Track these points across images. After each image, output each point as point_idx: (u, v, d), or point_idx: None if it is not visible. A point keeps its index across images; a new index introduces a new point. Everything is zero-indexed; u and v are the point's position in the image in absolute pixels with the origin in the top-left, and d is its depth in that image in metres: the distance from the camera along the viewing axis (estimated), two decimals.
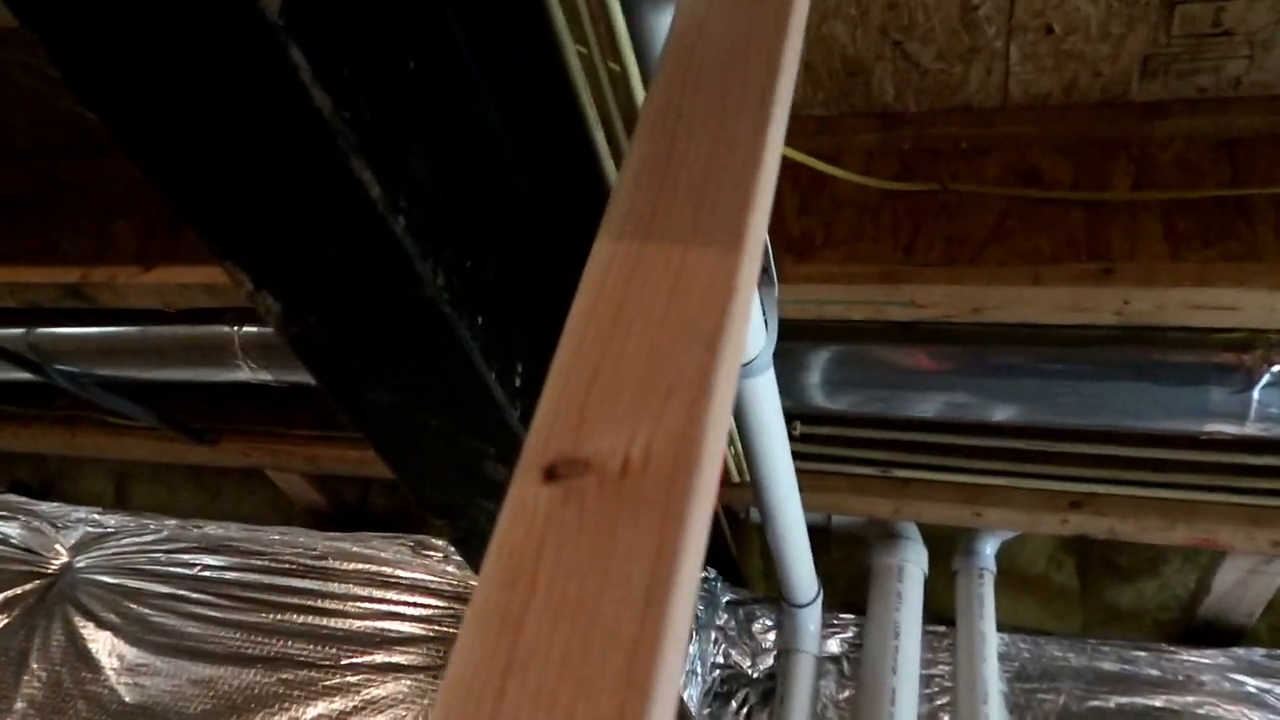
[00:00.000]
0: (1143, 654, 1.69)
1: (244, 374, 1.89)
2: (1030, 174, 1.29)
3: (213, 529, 2.45)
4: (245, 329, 1.83)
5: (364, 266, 0.74)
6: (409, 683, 2.04)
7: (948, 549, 1.88)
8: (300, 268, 0.76)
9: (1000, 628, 1.74)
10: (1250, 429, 1.28)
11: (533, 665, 0.30)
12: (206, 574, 2.39)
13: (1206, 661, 1.65)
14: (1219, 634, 1.74)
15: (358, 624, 2.18)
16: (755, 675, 1.87)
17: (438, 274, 0.78)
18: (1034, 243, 1.21)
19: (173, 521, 2.51)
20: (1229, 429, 1.30)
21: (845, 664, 1.84)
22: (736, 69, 0.58)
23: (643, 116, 0.56)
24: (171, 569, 2.43)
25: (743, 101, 0.56)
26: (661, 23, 0.78)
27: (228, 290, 1.55)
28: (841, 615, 1.88)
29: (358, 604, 2.22)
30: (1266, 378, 1.23)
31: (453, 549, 2.19)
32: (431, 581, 2.19)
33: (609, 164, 1.01)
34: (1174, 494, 1.45)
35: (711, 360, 0.42)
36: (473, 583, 2.13)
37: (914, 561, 1.80)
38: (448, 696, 0.29)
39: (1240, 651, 1.65)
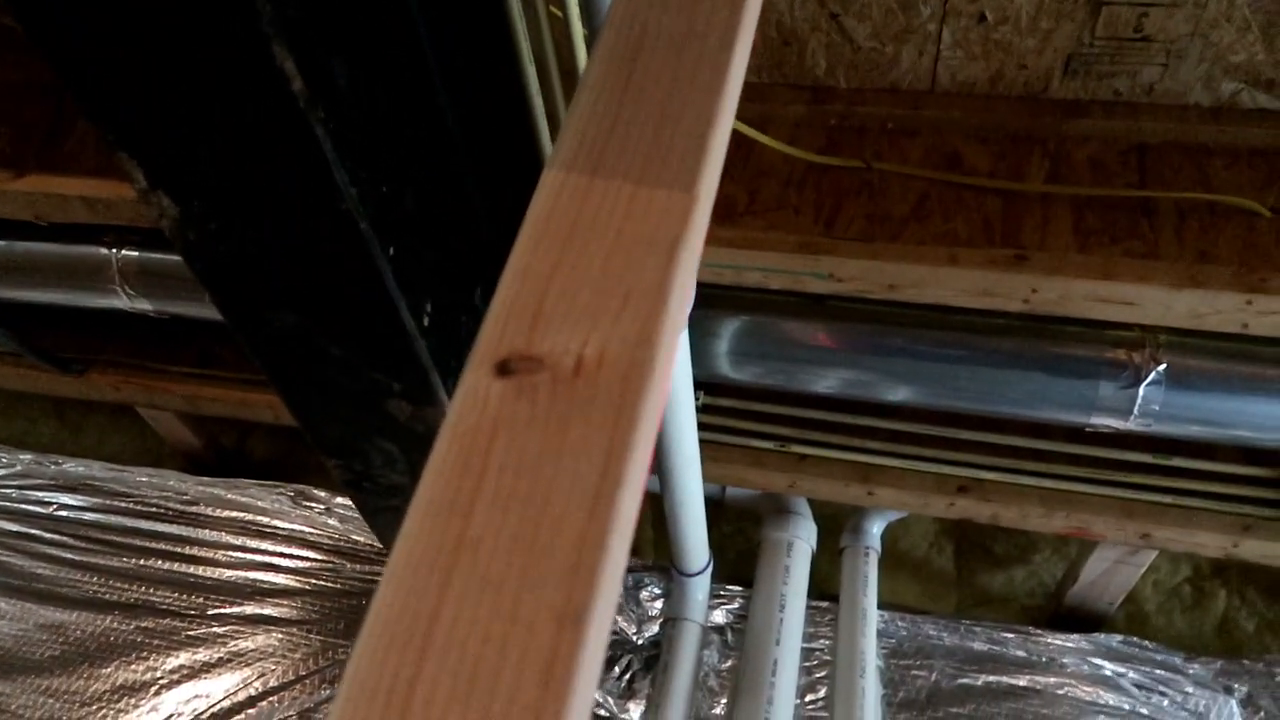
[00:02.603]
0: (1011, 636, 1.76)
1: (121, 302, 1.77)
2: (952, 159, 1.31)
3: (73, 466, 2.30)
4: (125, 252, 1.71)
5: (277, 169, 0.68)
6: (280, 636, 1.95)
7: (834, 527, 1.92)
8: (205, 166, 0.69)
9: (880, 606, 1.78)
10: (1132, 424, 1.35)
11: (480, 553, 0.28)
12: (63, 514, 2.24)
13: (1070, 645, 1.73)
14: (1082, 620, 1.83)
15: (228, 573, 2.08)
16: (640, 642, 1.87)
17: (354, 189, 0.73)
18: (951, 225, 1.23)
19: (27, 456, 2.35)
20: (1113, 423, 1.36)
21: (729, 634, 1.86)
22: None
23: (605, 29, 0.55)
24: (23, 506, 2.27)
25: (710, 18, 0.55)
26: None
27: (111, 205, 1.44)
28: (729, 587, 1.89)
29: (229, 553, 2.11)
30: (1152, 375, 1.29)
31: (336, 500, 2.11)
32: (311, 534, 2.10)
33: (540, 107, 0.97)
34: (1055, 484, 1.51)
35: (670, 266, 0.42)
36: (355, 537, 2.06)
37: (804, 537, 1.83)
38: (393, 580, 0.27)
39: (1100, 637, 1.75)
